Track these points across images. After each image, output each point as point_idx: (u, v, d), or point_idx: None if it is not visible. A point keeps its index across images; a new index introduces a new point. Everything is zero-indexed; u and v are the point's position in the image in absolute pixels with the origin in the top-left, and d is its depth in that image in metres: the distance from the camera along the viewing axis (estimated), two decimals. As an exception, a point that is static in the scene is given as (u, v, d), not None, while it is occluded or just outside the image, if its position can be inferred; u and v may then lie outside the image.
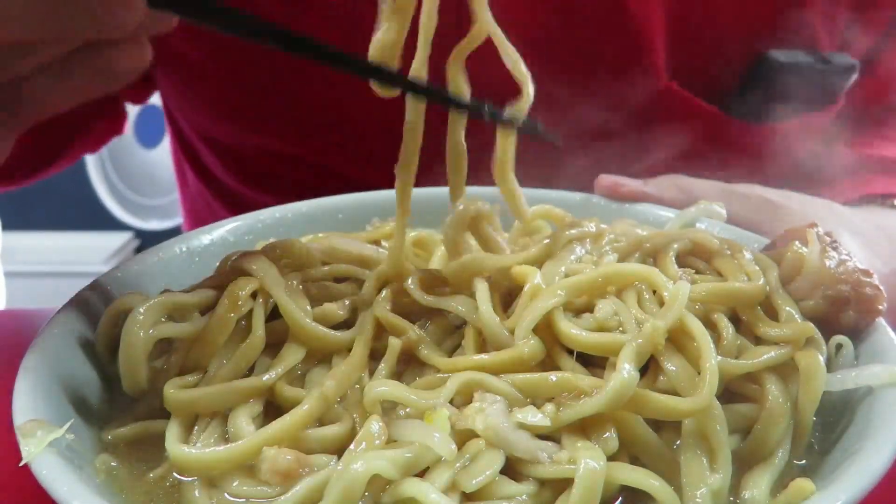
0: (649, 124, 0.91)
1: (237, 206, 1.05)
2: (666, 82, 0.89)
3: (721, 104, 0.91)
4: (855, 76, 0.93)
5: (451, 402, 0.49)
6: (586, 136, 0.93)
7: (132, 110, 1.09)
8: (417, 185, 0.80)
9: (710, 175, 0.79)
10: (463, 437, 0.47)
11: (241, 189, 1.05)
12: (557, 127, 0.91)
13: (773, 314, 0.55)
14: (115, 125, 1.06)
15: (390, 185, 0.80)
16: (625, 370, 0.47)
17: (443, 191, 0.78)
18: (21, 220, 3.11)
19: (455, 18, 0.57)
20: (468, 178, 0.69)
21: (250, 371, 0.54)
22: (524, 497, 0.45)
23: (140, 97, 1.08)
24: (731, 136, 0.92)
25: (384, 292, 0.58)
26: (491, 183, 0.65)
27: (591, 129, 0.92)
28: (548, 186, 0.77)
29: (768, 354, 0.51)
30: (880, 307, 0.55)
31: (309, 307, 0.56)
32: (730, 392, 0.52)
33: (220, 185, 1.08)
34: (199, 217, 1.16)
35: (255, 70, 0.93)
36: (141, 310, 0.53)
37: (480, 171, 0.66)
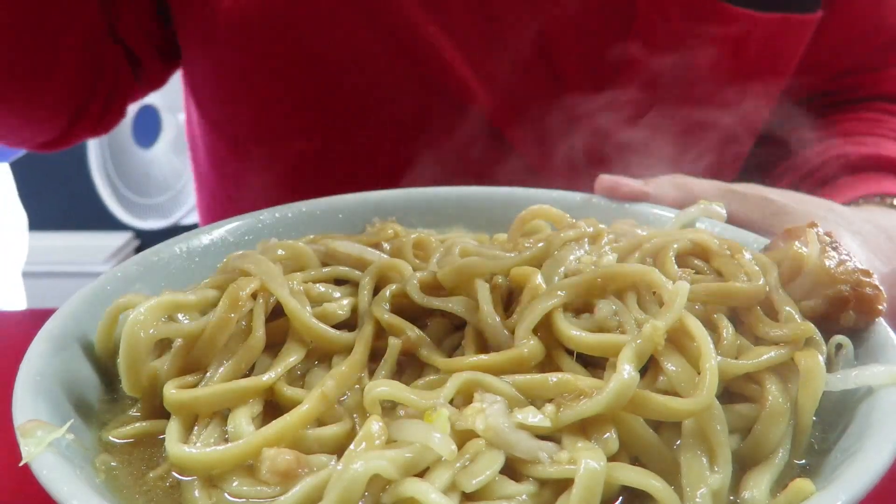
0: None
1: (269, 161, 1.05)
2: None
3: None
4: None
5: (451, 402, 0.49)
6: (576, 23, 0.93)
7: (130, 110, 1.08)
8: (417, 185, 0.80)
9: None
10: (463, 437, 0.46)
11: (276, 137, 1.05)
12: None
13: (773, 314, 0.55)
14: (119, 103, 1.05)
15: (417, 155, 0.78)
16: (625, 371, 0.47)
17: (443, 191, 0.78)
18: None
19: None
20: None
21: (250, 371, 0.54)
22: (524, 497, 0.45)
23: (164, 73, 1.07)
24: (715, 18, 0.92)
25: (384, 292, 0.58)
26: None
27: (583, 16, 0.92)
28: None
29: (768, 355, 0.51)
30: (880, 307, 0.55)
31: (309, 308, 0.56)
32: (730, 392, 0.51)
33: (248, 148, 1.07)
34: (215, 201, 1.16)
35: (284, 34, 0.94)
36: (141, 310, 0.53)
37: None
